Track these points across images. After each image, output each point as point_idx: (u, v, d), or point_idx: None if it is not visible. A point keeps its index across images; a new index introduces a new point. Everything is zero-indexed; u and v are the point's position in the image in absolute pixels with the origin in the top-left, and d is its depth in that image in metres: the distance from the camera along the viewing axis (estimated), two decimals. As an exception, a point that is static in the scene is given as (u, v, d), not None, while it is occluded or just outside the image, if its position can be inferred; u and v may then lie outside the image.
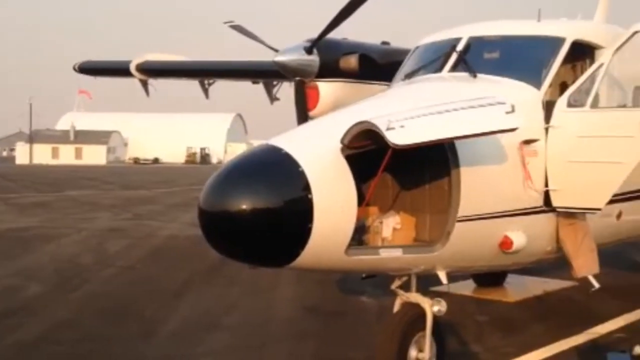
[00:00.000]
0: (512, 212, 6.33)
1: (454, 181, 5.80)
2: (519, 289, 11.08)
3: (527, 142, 6.31)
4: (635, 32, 6.34)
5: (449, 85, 6.72)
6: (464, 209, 5.86)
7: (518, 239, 6.37)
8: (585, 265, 6.84)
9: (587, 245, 6.83)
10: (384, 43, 10.58)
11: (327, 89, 9.51)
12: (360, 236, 5.97)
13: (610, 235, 7.91)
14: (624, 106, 6.39)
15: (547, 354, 7.78)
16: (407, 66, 7.69)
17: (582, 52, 6.80)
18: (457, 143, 5.69)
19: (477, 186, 5.93)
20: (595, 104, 6.38)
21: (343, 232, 5.24)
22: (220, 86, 13.57)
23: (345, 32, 9.58)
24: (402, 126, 4.93)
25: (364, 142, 5.29)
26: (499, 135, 5.88)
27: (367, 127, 5.07)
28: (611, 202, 7.47)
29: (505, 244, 6.33)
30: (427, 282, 10.57)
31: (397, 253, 5.78)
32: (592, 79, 6.42)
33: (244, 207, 4.88)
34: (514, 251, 6.41)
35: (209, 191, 5.09)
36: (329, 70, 9.54)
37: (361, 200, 6.16)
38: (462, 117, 5.22)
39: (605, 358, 6.41)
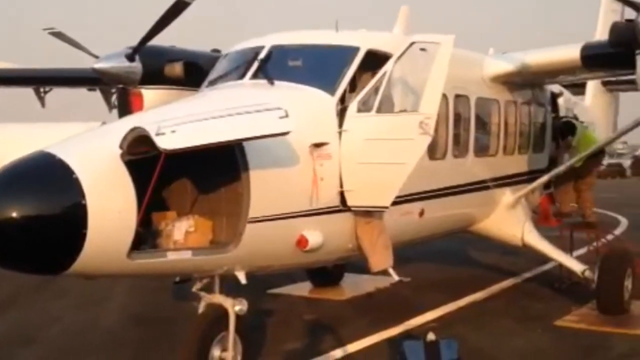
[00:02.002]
0: (307, 212, 6.62)
1: (244, 184, 6.01)
2: (353, 287, 11.55)
3: (320, 145, 6.62)
4: (413, 43, 6.85)
5: (244, 92, 6.95)
6: (255, 210, 6.08)
7: (314, 238, 6.67)
8: (381, 260, 7.25)
9: (383, 242, 7.25)
10: (215, 50, 10.71)
11: (151, 97, 9.48)
12: (153, 240, 6.07)
13: (414, 232, 8.41)
14: (405, 111, 6.85)
15: (362, 346, 8.20)
16: (213, 73, 7.88)
17: (377, 61, 7.22)
18: (247, 147, 5.91)
19: (267, 188, 6.18)
20: (380, 109, 6.81)
21: (122, 236, 5.31)
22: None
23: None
24: (173, 131, 5.08)
25: (146, 147, 5.38)
26: (289, 139, 6.15)
27: (140, 133, 5.18)
28: (413, 200, 8.02)
29: (302, 243, 6.61)
30: (265, 285, 10.99)
31: (187, 255, 5.91)
32: (377, 86, 6.85)
33: (13, 214, 4.85)
34: (311, 249, 6.70)
35: None
36: (153, 77, 9.50)
37: (158, 204, 6.30)
38: (236, 122, 5.45)
39: (401, 345, 6.79)
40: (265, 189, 6.15)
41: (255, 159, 6.00)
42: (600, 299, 9.43)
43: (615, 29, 7.55)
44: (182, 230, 6.08)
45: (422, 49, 6.81)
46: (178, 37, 10.49)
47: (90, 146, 5.44)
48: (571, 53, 8.76)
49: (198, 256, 6.00)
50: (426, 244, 10.86)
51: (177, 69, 9.53)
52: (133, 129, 5.25)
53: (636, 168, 43.03)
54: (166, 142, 5.03)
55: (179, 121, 5.25)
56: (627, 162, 44.84)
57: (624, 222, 19.99)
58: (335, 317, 9.65)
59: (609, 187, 32.99)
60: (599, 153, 11.42)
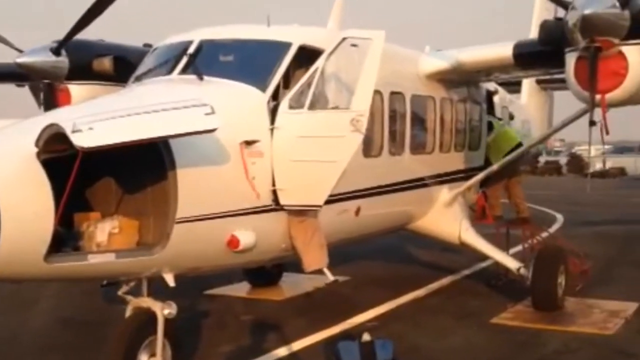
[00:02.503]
0: (238, 211, 6.44)
1: (171, 183, 5.79)
2: (292, 286, 11.40)
3: (251, 143, 6.45)
4: (344, 39, 6.74)
5: (170, 87, 6.73)
6: (183, 210, 5.87)
7: (246, 238, 6.50)
8: (315, 260, 7.14)
9: (317, 241, 7.13)
10: (147, 45, 10.42)
11: (79, 92, 9.17)
12: (75, 243, 5.80)
13: (350, 230, 8.32)
14: (337, 107, 6.75)
15: (299, 347, 8.06)
16: (140, 68, 7.63)
17: (309, 57, 7.08)
18: (173, 144, 5.70)
19: (196, 187, 5.97)
20: (312, 106, 6.69)
21: (38, 239, 5.04)
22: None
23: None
24: (90, 128, 4.84)
25: (64, 145, 5.12)
26: (218, 136, 5.97)
27: (56, 130, 4.92)
28: (349, 198, 7.93)
29: (233, 243, 6.43)
30: (201, 286, 10.75)
31: (110, 258, 5.66)
32: (309, 82, 6.73)
33: None
34: (243, 250, 6.53)
35: None
36: (81, 72, 9.20)
37: (81, 205, 6.03)
38: (159, 119, 5.23)
39: (336, 346, 6.69)
40: (194, 188, 5.94)
41: (182, 157, 5.79)
42: (534, 296, 9.53)
43: (544, 27, 7.60)
44: (105, 232, 5.83)
45: (354, 45, 6.71)
46: (115, 31, 10.16)
47: (3, 144, 5.14)
48: (504, 51, 8.82)
49: (122, 259, 5.75)
50: (367, 241, 10.85)
51: (105, 63, 9.25)
52: (49, 126, 4.98)
53: (572, 165, 44.14)
54: (83, 139, 4.79)
55: (98, 118, 5.01)
56: (563, 160, 45.98)
57: (559, 218, 20.45)
58: (273, 317, 9.49)
59: (546, 184, 33.85)
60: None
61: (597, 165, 41.74)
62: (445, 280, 11.77)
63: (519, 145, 10.92)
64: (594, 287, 10.79)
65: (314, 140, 6.56)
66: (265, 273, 10.93)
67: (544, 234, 11.86)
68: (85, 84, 9.23)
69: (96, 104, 6.08)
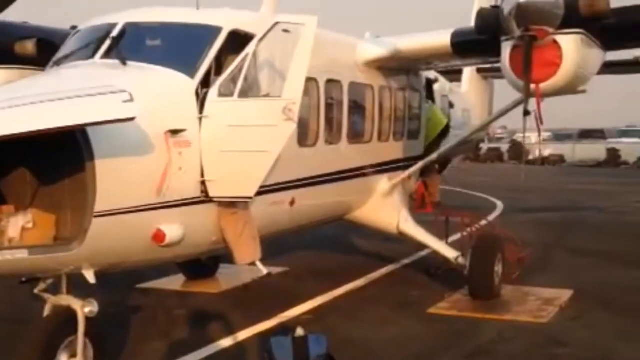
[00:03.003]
0: (164, 204, 6.14)
1: (89, 175, 5.46)
2: (229, 278, 11.12)
3: (177, 132, 6.15)
4: (277, 23, 6.49)
5: (90, 72, 6.36)
6: (102, 204, 5.55)
7: (172, 232, 6.22)
8: (247, 253, 6.91)
9: (249, 234, 6.89)
10: (74, 27, 9.93)
11: (2, 77, 8.66)
12: (-15, 239, 5.43)
13: (285, 222, 8.11)
14: (268, 95, 6.51)
15: (233, 342, 7.84)
16: (60, 51, 7.21)
17: (241, 43, 6.79)
18: (91, 134, 5.36)
19: (117, 179, 5.65)
20: (243, 94, 6.42)
21: None
22: None
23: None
24: (-7, 117, 4.48)
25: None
26: (140, 125, 5.67)
27: (-43, 118, 4.53)
28: (283, 189, 7.70)
29: (158, 238, 6.14)
30: (134, 279, 10.39)
31: (22, 255, 5.32)
32: (239, 69, 6.46)
33: None
34: (170, 244, 6.24)
35: None
36: (3, 56, 8.67)
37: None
38: (72, 106, 4.89)
39: (269, 341, 6.49)
40: (114, 180, 5.62)
41: (101, 147, 5.45)
42: (471, 285, 9.53)
43: (481, 15, 7.51)
44: (18, 227, 5.48)
45: (286, 30, 6.46)
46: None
47: None
48: (442, 39, 8.72)
49: (36, 255, 5.41)
50: (304, 232, 10.66)
51: (29, 47, 8.73)
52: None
53: (513, 152, 44.96)
54: None
55: (3, 105, 4.64)
56: (505, 147, 46.79)
57: (499, 205, 20.71)
58: (207, 311, 9.23)
59: (487, 171, 34.40)
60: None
61: (537, 153, 42.65)
62: (384, 270, 11.70)
63: (447, 127, 10.89)
64: (531, 275, 10.87)
65: (244, 130, 6.31)
66: (200, 265, 10.61)
67: (482, 222, 11.89)
68: (7, 68, 8.68)
69: (4, 90, 5.67)
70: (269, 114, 6.24)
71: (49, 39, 8.96)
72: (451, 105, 12.62)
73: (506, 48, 7.22)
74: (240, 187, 6.43)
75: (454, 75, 14.49)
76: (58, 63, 6.99)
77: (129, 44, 6.68)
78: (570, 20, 6.92)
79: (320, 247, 13.68)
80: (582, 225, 16.96)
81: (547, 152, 43.00)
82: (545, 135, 51.30)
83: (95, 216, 5.53)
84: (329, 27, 8.85)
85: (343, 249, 13.70)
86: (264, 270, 7.27)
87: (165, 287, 10.59)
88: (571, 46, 6.98)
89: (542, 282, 10.57)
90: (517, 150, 43.84)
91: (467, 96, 14.89)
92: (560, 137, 47.49)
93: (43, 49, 8.78)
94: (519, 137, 49.87)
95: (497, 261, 9.68)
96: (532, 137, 50.42)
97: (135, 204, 5.88)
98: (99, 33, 6.89)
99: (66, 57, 6.96)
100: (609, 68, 12.79)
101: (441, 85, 12.09)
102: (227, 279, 11.10)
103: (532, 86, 6.96)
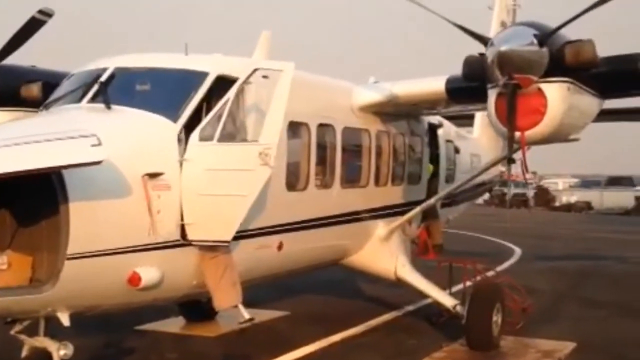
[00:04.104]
0: (141, 247, 6.17)
1: (63, 217, 5.53)
2: (229, 321, 11.02)
3: (156, 175, 6.21)
4: (256, 69, 6.57)
5: (71, 116, 6.49)
6: (76, 246, 5.60)
7: (149, 275, 6.23)
8: (226, 298, 6.88)
9: (229, 279, 6.87)
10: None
11: (6, 119, 8.88)
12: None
13: (273, 266, 8.06)
14: (245, 140, 6.55)
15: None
16: (53, 95, 7.39)
17: (228, 87, 6.87)
18: (66, 176, 5.45)
19: (91, 221, 5.71)
20: (222, 138, 6.48)
21: None
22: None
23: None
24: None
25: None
26: (116, 169, 5.76)
27: None
28: (270, 233, 7.68)
29: (134, 280, 6.15)
30: (134, 320, 10.37)
31: None
32: (220, 113, 6.54)
33: None
34: (146, 287, 6.25)
35: None
36: (9, 98, 8.94)
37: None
38: (40, 150, 4.98)
39: None
40: (88, 222, 5.68)
41: (76, 190, 5.54)
42: (469, 335, 9.31)
43: (467, 62, 7.50)
44: (-9, 268, 5.52)
45: (265, 76, 6.53)
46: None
47: None
48: (437, 85, 8.71)
49: (8, 297, 5.45)
50: (315, 274, 10.57)
51: (34, 90, 9.00)
52: None
53: (539, 198, 44.41)
54: None
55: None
56: (531, 193, 46.24)
57: (517, 252, 20.35)
58: (199, 356, 9.17)
59: (512, 217, 33.91)
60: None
61: (564, 199, 42.09)
62: (386, 317, 11.50)
63: (435, 174, 10.82)
64: (537, 325, 10.59)
65: (222, 174, 6.35)
66: (200, 307, 10.56)
67: (487, 270, 11.68)
68: (13, 110, 8.96)
69: None
70: (245, 159, 6.28)
71: (54, 82, 9.22)
72: (457, 151, 12.52)
73: (492, 95, 7.18)
74: (218, 231, 6.44)
75: (464, 120, 14.43)
76: (47, 106, 7.17)
77: (116, 88, 6.82)
78: (556, 68, 6.88)
79: (325, 291, 13.55)
80: (600, 276, 16.53)
81: (573, 199, 42.38)
82: (572, 181, 50.83)
83: (69, 258, 5.58)
84: (327, 72, 8.96)
85: (348, 294, 13.54)
86: (246, 314, 7.19)
87: (162, 329, 10.53)
88: (556, 94, 6.92)
89: (547, 333, 10.27)
90: (544, 196, 43.28)
91: (478, 141, 14.77)
92: (587, 183, 46.84)
93: (48, 92, 9.03)
94: (545, 182, 49.45)
95: (496, 311, 9.44)
96: (560, 183, 50.19)
97: (110, 246, 5.91)
98: (89, 77, 7.06)
99: (56, 101, 7.14)
100: (619, 115, 12.71)
101: (445, 130, 12.03)
102: (227, 321, 10.99)
103: (518, 134, 6.88)
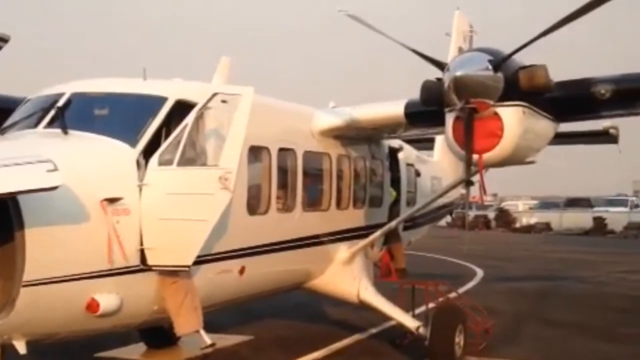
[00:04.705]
0: (99, 273, 6.09)
1: (18, 244, 5.45)
2: (192, 347, 10.88)
3: (115, 200, 6.16)
4: (215, 94, 6.59)
5: (27, 142, 6.41)
6: (32, 273, 5.51)
7: (107, 301, 6.15)
8: (187, 323, 6.81)
9: (190, 304, 6.81)
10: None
11: None
12: None
13: (235, 291, 8.02)
14: (205, 165, 6.56)
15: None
16: (9, 120, 7.30)
17: (187, 112, 6.88)
18: (22, 202, 5.38)
19: (48, 248, 5.62)
20: (182, 162, 6.47)
21: None
22: None
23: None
24: None
25: None
26: (73, 195, 5.71)
27: None
28: (232, 257, 7.65)
29: (92, 307, 6.07)
30: (95, 347, 10.18)
31: None
32: (179, 138, 6.53)
33: None
34: (105, 314, 6.17)
35: None
36: None
37: None
38: None
39: None
40: (45, 248, 5.59)
41: (32, 215, 5.46)
42: (432, 356, 9.36)
43: (425, 87, 7.63)
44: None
45: (224, 101, 6.56)
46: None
47: None
48: (396, 109, 8.83)
49: None
50: (280, 297, 10.50)
51: None
52: None
53: (500, 220, 45.04)
54: None
55: None
56: (492, 214, 46.88)
57: (480, 273, 20.56)
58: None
59: (473, 239, 34.27)
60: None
61: (524, 220, 42.74)
62: (349, 340, 11.48)
63: (397, 199, 10.93)
64: (498, 346, 10.70)
65: (182, 198, 6.33)
66: (161, 333, 10.41)
67: (450, 292, 11.76)
68: None
69: None
70: (205, 183, 6.27)
71: (8, 108, 9.09)
72: (418, 174, 12.67)
73: (449, 119, 7.31)
74: (178, 256, 6.39)
75: (425, 143, 14.61)
76: (3, 132, 7.07)
77: (74, 113, 6.77)
78: (512, 93, 7.04)
79: (290, 314, 13.48)
80: (559, 296, 16.79)
81: (533, 220, 43.08)
82: (531, 203, 51.71)
83: (25, 285, 5.49)
84: (289, 97, 9.02)
85: (312, 317, 13.49)
86: (207, 340, 7.12)
87: (123, 357, 10.35)
88: (512, 118, 7.07)
89: (509, 353, 10.39)
90: (505, 218, 43.90)
91: (438, 164, 14.95)
92: (546, 205, 47.71)
93: (4, 118, 8.90)
94: (506, 204, 50.19)
95: (459, 332, 9.52)
96: (519, 205, 50.99)
97: (67, 272, 5.83)
98: (46, 102, 6.99)
99: (12, 126, 7.05)
100: (575, 138, 13.01)
101: (406, 154, 12.17)
102: (189, 347, 10.86)
103: (475, 157, 7.01)
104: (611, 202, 44.64)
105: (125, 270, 6.32)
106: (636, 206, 43.84)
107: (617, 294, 16.94)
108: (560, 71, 7.53)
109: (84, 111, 6.83)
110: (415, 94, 8.06)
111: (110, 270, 6.18)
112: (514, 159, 7.40)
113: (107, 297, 6.14)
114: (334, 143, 9.53)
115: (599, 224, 39.71)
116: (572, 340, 11.75)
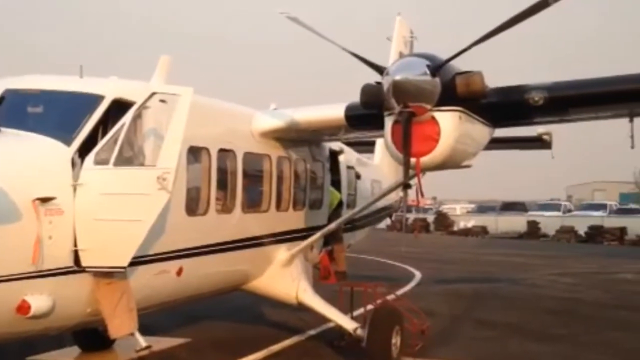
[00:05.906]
0: (30, 274, 5.94)
1: None
2: (128, 349, 10.69)
3: (47, 200, 6.01)
4: (153, 94, 6.52)
5: None
6: None
7: (39, 303, 6.01)
8: (122, 325, 6.71)
9: (125, 305, 6.70)
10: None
11: None
12: None
13: (172, 292, 7.92)
14: (143, 164, 6.47)
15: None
16: None
17: (125, 111, 6.77)
18: None
19: None
20: (118, 162, 6.37)
21: None
22: None
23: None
24: None
25: None
26: (5, 193, 5.59)
27: None
28: (169, 258, 7.56)
29: (23, 309, 5.92)
30: (27, 349, 9.89)
31: None
32: (116, 137, 6.43)
33: None
34: (36, 316, 6.02)
35: None
36: None
37: None
38: None
39: None
40: None
41: None
42: (369, 357, 9.44)
43: (365, 90, 7.72)
44: None
45: (163, 100, 6.48)
46: None
47: None
48: (336, 112, 8.90)
49: None
50: (220, 299, 10.41)
51: None
52: None
53: (439, 223, 45.81)
54: None
55: None
56: (431, 217, 47.66)
57: (418, 275, 20.86)
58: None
59: (412, 242, 34.75)
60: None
61: (461, 224, 43.58)
62: (288, 342, 11.49)
63: (340, 202, 11.09)
64: (435, 346, 10.88)
65: (118, 198, 6.22)
66: (95, 335, 10.20)
67: (388, 294, 11.91)
68: None
69: None
70: (143, 183, 6.19)
71: None
72: (358, 177, 12.79)
73: (388, 122, 7.41)
74: (114, 257, 6.29)
75: (365, 146, 14.76)
76: None
77: (7, 110, 6.60)
78: (449, 98, 7.18)
79: (228, 316, 13.40)
80: (494, 297, 17.17)
81: (470, 224, 43.97)
82: (469, 206, 52.83)
83: None
84: (230, 98, 8.96)
85: (251, 319, 13.44)
86: (142, 342, 7.03)
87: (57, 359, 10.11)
88: (449, 123, 7.22)
89: (444, 354, 10.59)
90: (443, 221, 44.65)
91: (379, 167, 15.13)
92: (483, 209, 48.81)
93: None
94: (444, 208, 51.10)
95: (395, 333, 9.64)
96: (457, 209, 52.00)
97: None
98: None
99: None
100: (510, 143, 13.37)
101: (347, 157, 12.27)
102: (124, 350, 10.67)
103: (413, 160, 7.12)
104: (545, 207, 46.00)
105: (58, 271, 6.18)
106: (569, 211, 45.35)
107: (549, 296, 17.45)
108: (496, 77, 7.75)
109: (17, 109, 6.65)
110: (355, 97, 8.19)
111: (42, 271, 6.04)
112: (451, 162, 7.55)
113: (39, 298, 6.00)
114: (275, 145, 9.53)
115: (533, 228, 40.82)
116: (506, 340, 12.05)
